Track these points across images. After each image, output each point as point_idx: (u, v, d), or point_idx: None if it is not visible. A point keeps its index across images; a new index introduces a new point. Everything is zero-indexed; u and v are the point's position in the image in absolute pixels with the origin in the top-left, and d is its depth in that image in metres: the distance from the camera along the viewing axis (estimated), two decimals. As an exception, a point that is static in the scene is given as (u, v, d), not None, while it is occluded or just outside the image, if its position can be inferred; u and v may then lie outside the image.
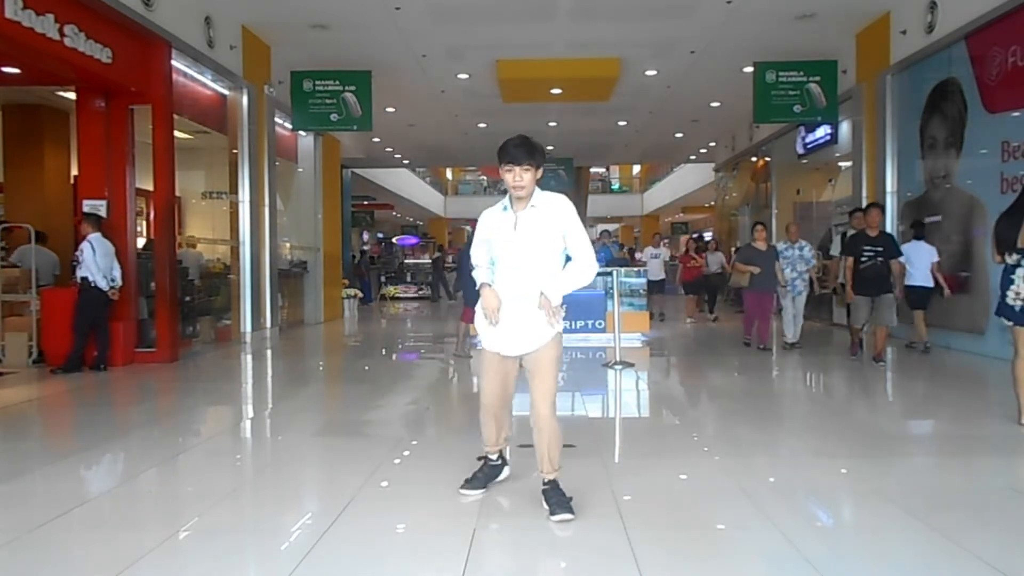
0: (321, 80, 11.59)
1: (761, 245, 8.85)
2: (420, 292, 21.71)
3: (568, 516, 3.11)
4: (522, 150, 3.12)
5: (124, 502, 3.61)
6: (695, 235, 25.02)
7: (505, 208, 3.28)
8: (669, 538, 2.98)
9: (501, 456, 3.62)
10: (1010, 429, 4.79)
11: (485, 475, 3.55)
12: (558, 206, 3.22)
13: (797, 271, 8.97)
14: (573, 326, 9.75)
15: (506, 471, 3.65)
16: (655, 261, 13.43)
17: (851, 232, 8.41)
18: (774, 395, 6.59)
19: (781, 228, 12.75)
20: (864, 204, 10.56)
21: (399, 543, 3.03)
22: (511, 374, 3.37)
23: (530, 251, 3.20)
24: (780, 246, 9.06)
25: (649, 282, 12.20)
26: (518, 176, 3.13)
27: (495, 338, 3.29)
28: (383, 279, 21.89)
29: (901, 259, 7.79)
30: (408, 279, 22.50)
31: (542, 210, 3.21)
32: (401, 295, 21.54)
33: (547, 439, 3.24)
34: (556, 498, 3.18)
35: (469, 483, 3.51)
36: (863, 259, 7.51)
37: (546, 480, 3.26)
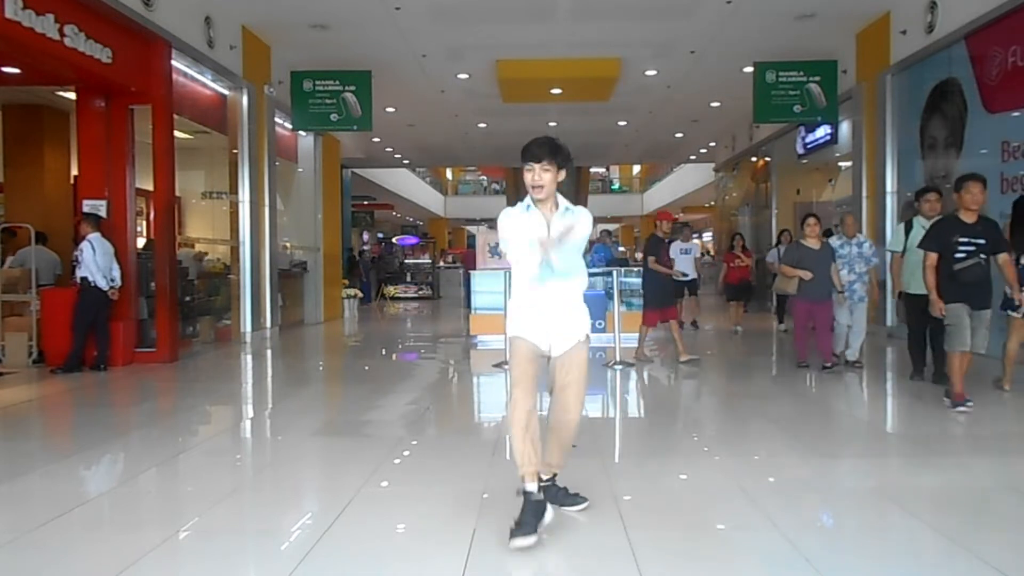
0: (321, 80, 11.59)
1: (813, 243, 7.21)
2: (420, 292, 21.75)
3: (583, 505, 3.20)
4: (544, 148, 3.03)
5: (124, 502, 3.61)
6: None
7: (528, 208, 3.10)
8: (669, 538, 2.98)
9: (544, 485, 3.09)
10: (1010, 429, 4.79)
11: (533, 514, 2.88)
12: (587, 219, 3.12)
13: (856, 272, 7.35)
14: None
15: (551, 512, 3.00)
16: (685, 258, 11.44)
17: (929, 219, 6.30)
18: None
19: (782, 229, 12.62)
20: (864, 205, 10.63)
21: (399, 543, 3.03)
22: (538, 375, 3.14)
23: (567, 253, 3.06)
24: (834, 242, 7.45)
25: (677, 282, 10.77)
26: (537, 175, 3.02)
27: (534, 332, 3.10)
28: (381, 281, 21.92)
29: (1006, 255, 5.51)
30: (408, 279, 22.54)
31: (576, 216, 3.10)
32: (401, 295, 21.56)
33: (567, 445, 3.20)
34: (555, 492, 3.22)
35: (520, 530, 2.85)
36: (959, 255, 5.31)
37: (546, 477, 3.17)
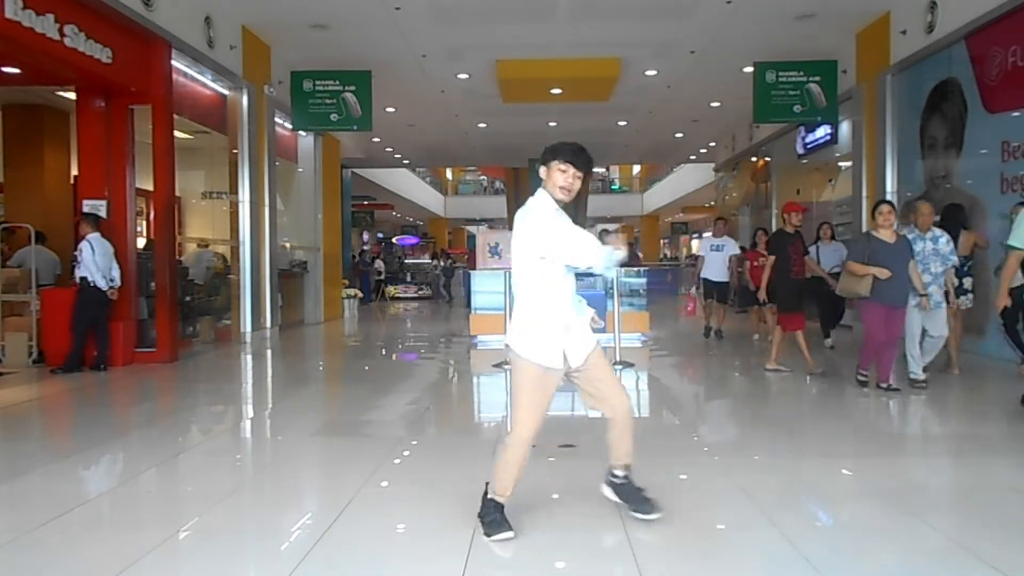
0: (321, 80, 11.59)
1: (887, 235, 5.95)
2: (420, 292, 21.77)
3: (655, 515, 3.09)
4: (582, 156, 3.01)
5: (124, 502, 3.61)
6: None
7: (557, 211, 3.03)
8: (669, 538, 2.98)
9: (619, 483, 3.23)
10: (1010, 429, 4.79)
11: (501, 514, 3.01)
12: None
13: (932, 273, 6.17)
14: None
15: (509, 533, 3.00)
16: (716, 255, 10.07)
17: None
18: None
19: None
20: (864, 205, 10.60)
21: (399, 543, 3.03)
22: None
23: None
24: (908, 235, 6.24)
25: (705, 283, 10.11)
26: (572, 178, 2.99)
27: (561, 350, 2.99)
28: (382, 280, 21.94)
29: None
30: (408, 279, 22.56)
31: None
32: (401, 295, 21.57)
33: (631, 431, 3.17)
34: (638, 495, 3.18)
35: (496, 526, 2.96)
36: None
37: (623, 474, 3.20)
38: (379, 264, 22.18)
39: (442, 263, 22.60)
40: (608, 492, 3.22)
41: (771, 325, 9.22)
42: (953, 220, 7.06)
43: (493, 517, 2.98)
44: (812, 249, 8.49)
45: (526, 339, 2.99)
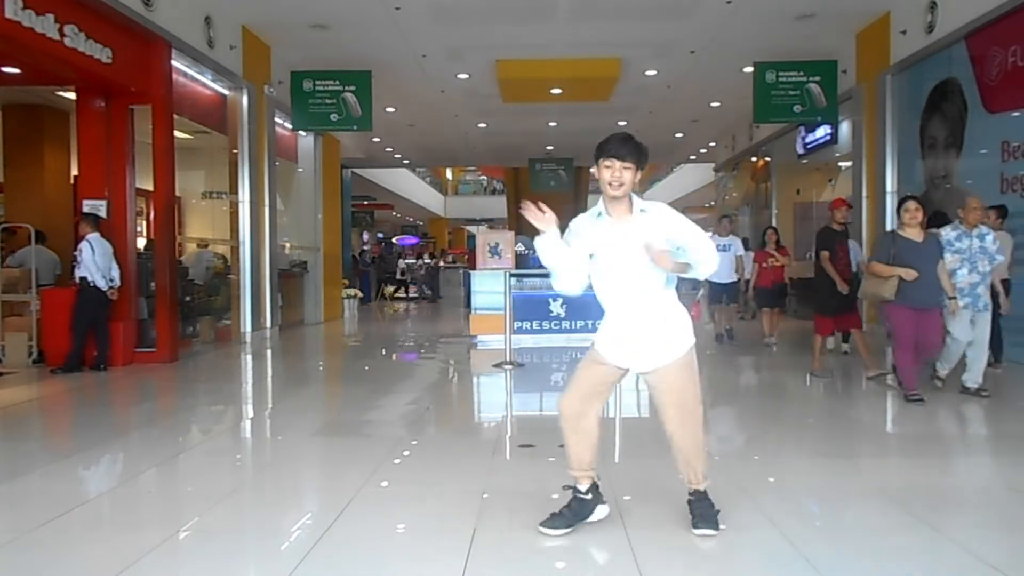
0: (321, 80, 11.59)
1: (915, 233, 5.63)
2: (417, 293, 21.81)
3: (711, 531, 2.92)
4: (627, 146, 2.86)
5: (124, 502, 3.61)
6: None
7: (600, 215, 2.94)
8: (669, 538, 2.98)
9: (593, 487, 3.05)
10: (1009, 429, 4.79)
11: (572, 511, 2.99)
12: (668, 215, 2.94)
13: (980, 272, 5.77)
14: (573, 326, 9.75)
15: (600, 511, 3.06)
16: (724, 256, 8.83)
17: None
18: None
19: (782, 229, 12.50)
20: (864, 205, 10.62)
21: (399, 543, 3.03)
22: (609, 386, 3.05)
23: (644, 261, 2.85)
24: (949, 233, 5.88)
25: (712, 286, 9.63)
26: (617, 172, 2.84)
27: (619, 352, 2.97)
28: (381, 281, 21.96)
29: None
30: (408, 279, 22.59)
31: (654, 217, 2.91)
32: (401, 295, 21.57)
33: (688, 452, 2.98)
34: (702, 509, 2.98)
35: (551, 520, 2.97)
36: None
37: (693, 490, 3.02)
38: (403, 263, 22.54)
39: (427, 262, 22.76)
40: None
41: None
42: (938, 227, 6.84)
43: (560, 508, 3.02)
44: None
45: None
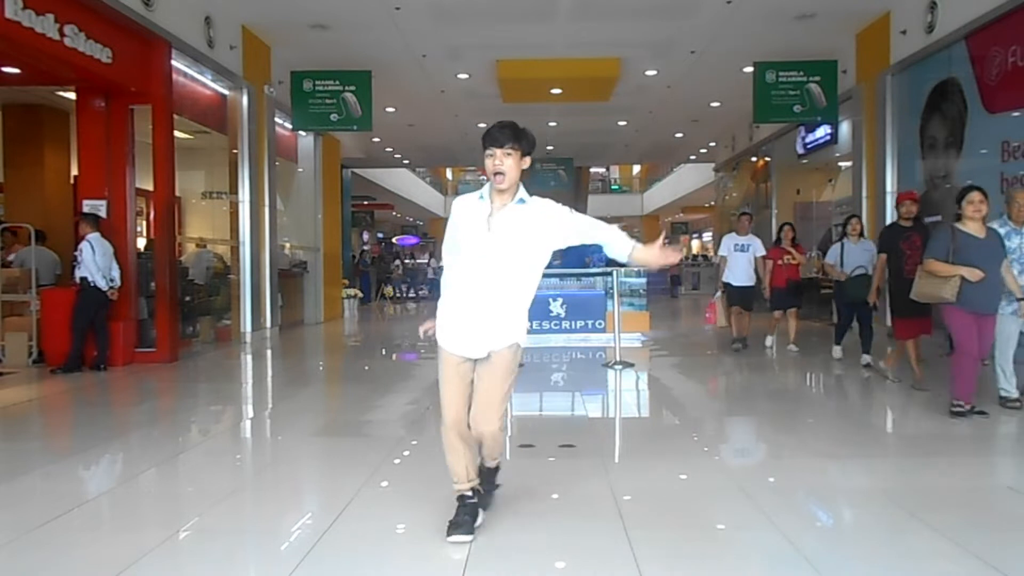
0: (321, 80, 11.59)
1: (976, 228, 5.03)
2: (420, 292, 21.81)
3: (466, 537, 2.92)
4: (506, 132, 2.82)
5: (124, 502, 3.61)
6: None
7: (481, 197, 2.93)
8: (669, 538, 2.98)
9: (475, 491, 3.06)
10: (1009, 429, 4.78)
11: (471, 515, 2.98)
12: (550, 208, 2.91)
13: None
14: (573, 326, 9.75)
15: (482, 515, 3.06)
16: (742, 256, 8.74)
17: None
18: None
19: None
20: (864, 205, 10.61)
21: (399, 543, 3.03)
22: (468, 381, 3.03)
23: (506, 252, 2.86)
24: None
25: (729, 288, 8.85)
26: (498, 160, 2.80)
27: (457, 337, 2.97)
28: (381, 281, 21.96)
29: None
30: (408, 279, 22.61)
31: (533, 208, 2.89)
32: (400, 295, 21.58)
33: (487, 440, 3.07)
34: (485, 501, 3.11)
35: (455, 529, 2.93)
36: None
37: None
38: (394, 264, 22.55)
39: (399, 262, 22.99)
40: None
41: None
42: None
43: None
44: (835, 248, 7.53)
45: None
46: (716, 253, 19.34)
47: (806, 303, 10.39)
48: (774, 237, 9.50)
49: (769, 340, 8.88)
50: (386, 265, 23.05)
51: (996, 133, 7.82)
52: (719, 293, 9.18)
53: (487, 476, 3.25)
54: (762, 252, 8.82)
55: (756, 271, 8.77)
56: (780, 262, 8.71)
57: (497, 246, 2.86)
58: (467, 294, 2.93)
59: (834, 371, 7.33)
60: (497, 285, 2.89)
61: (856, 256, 7.25)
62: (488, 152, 2.85)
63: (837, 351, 7.79)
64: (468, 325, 2.93)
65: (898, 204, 6.66)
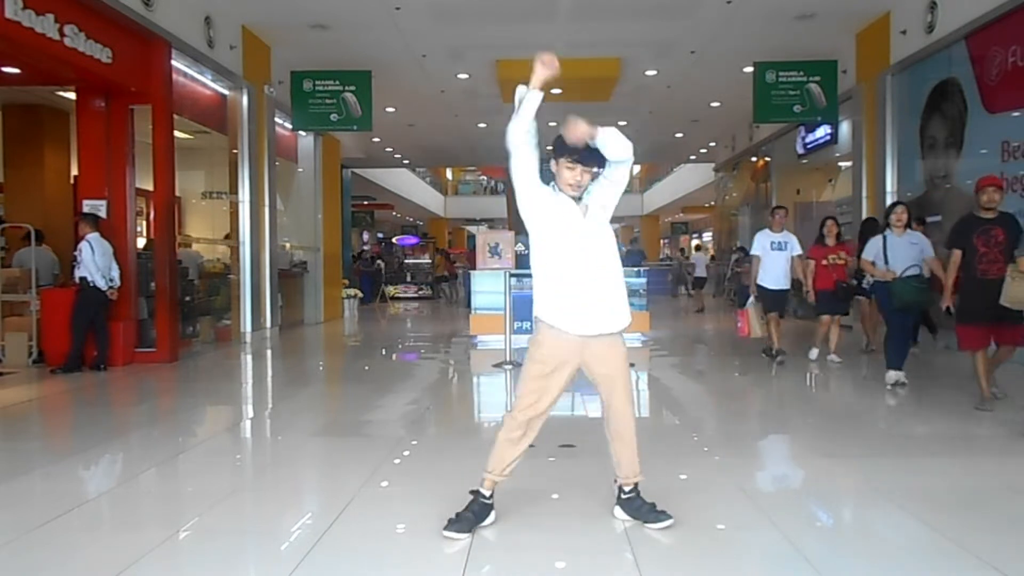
0: (321, 80, 11.59)
1: None
2: (420, 292, 21.78)
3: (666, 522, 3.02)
4: (596, 154, 3.05)
5: (124, 502, 3.61)
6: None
7: (556, 190, 3.09)
8: (669, 538, 2.98)
9: (492, 494, 3.10)
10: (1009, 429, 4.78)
11: (475, 515, 3.03)
12: (592, 186, 3.17)
13: None
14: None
15: (492, 515, 3.09)
16: (780, 256, 7.75)
17: None
18: None
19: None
20: (864, 205, 10.60)
21: (399, 543, 3.03)
22: (574, 374, 3.07)
23: (605, 242, 3.07)
24: None
25: (762, 291, 7.78)
26: (578, 175, 3.04)
27: (574, 316, 2.98)
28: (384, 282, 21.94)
29: None
30: (408, 279, 22.56)
31: (591, 193, 3.13)
32: (401, 295, 21.56)
33: (633, 443, 3.15)
34: (644, 505, 3.11)
35: (455, 524, 2.98)
36: None
37: (627, 489, 3.14)
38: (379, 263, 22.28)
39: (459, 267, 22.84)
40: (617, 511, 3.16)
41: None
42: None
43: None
44: (875, 241, 6.40)
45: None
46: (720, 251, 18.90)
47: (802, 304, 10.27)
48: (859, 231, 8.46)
49: (814, 353, 7.79)
50: (387, 265, 23.00)
51: (996, 133, 7.82)
52: (751, 299, 7.87)
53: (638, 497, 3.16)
54: (800, 251, 7.81)
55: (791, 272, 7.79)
56: (824, 262, 7.72)
57: (594, 229, 3.05)
58: (583, 275, 3.01)
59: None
60: (604, 263, 3.06)
61: (903, 251, 6.18)
62: (569, 165, 3.05)
63: (893, 376, 6.12)
64: (591, 303, 3.01)
65: (978, 190, 5.34)
